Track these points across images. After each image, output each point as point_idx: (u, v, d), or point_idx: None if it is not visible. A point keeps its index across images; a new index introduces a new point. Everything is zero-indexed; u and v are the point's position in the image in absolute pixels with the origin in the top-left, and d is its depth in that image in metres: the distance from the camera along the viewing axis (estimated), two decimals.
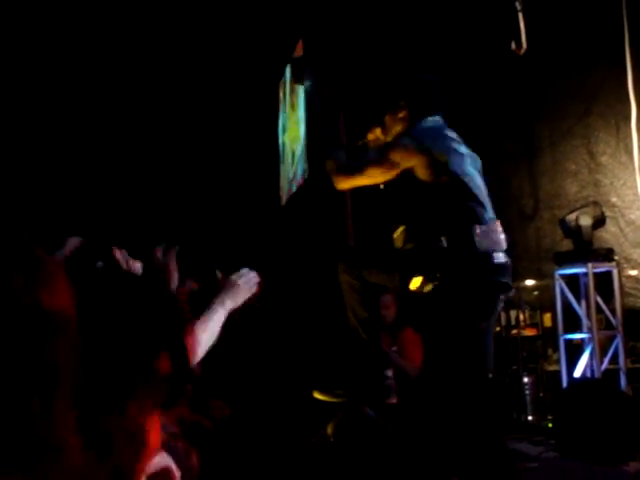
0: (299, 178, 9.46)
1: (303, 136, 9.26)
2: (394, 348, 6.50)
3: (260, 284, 3.13)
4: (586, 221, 7.70)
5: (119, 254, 3.07)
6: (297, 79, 8.26)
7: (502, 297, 4.17)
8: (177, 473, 2.86)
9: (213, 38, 9.43)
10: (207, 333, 2.84)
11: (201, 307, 2.84)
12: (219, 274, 3.28)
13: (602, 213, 7.87)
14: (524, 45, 7.49)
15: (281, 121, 10.61)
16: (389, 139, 4.39)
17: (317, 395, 4.28)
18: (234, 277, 3.08)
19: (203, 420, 5.77)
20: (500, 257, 4.11)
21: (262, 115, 10.27)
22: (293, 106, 9.83)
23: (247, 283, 3.09)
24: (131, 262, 4.15)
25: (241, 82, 9.73)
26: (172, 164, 9.68)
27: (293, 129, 9.90)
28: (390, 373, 4.31)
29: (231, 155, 9.97)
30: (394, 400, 4.31)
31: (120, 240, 2.81)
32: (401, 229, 4.24)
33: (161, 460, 2.91)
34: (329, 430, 3.71)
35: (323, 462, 3.73)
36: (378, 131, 4.44)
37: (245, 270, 3.14)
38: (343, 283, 4.33)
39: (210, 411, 6.05)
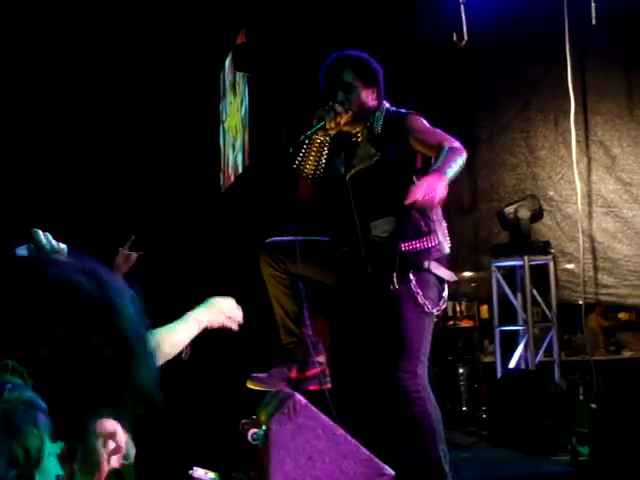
0: (240, 164, 9.43)
1: (245, 122, 9.23)
2: None
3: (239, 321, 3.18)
4: (524, 214, 7.76)
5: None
6: (239, 66, 8.24)
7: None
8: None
9: (155, 23, 9.34)
10: (172, 339, 2.85)
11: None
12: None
13: (540, 206, 7.94)
14: (465, 37, 7.53)
15: (222, 108, 10.56)
16: (346, 127, 4.32)
17: (250, 384, 4.27)
18: (219, 300, 3.09)
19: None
20: (448, 248, 4.26)
21: (203, 102, 10.20)
22: (234, 93, 9.79)
23: (230, 312, 3.12)
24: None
25: (182, 69, 9.64)
26: (112, 151, 9.59)
27: (234, 116, 9.86)
28: (323, 359, 4.32)
29: (172, 142, 9.88)
30: (328, 386, 4.31)
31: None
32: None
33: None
34: (261, 417, 3.69)
35: (255, 448, 3.70)
36: (344, 118, 4.30)
37: (232, 301, 3.15)
38: (266, 275, 4.33)
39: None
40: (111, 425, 1.41)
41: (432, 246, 4.17)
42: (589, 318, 8.89)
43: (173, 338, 2.87)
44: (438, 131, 4.22)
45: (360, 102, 4.31)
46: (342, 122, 4.23)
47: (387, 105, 4.39)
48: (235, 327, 3.17)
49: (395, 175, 4.19)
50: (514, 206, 7.90)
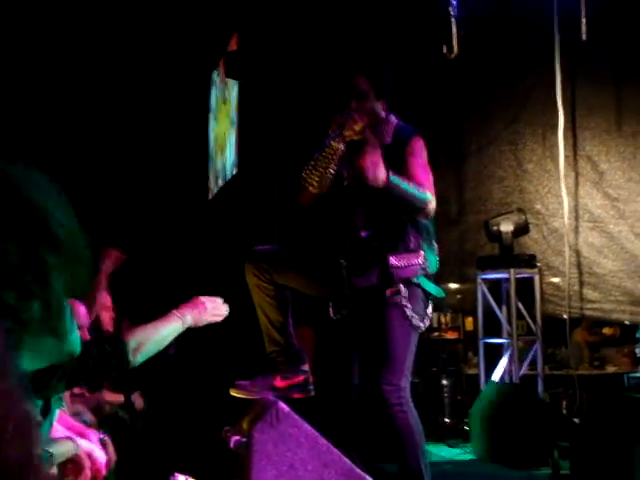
0: (228, 172, 9.42)
1: (234, 130, 9.23)
2: None
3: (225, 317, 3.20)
4: (507, 227, 7.78)
5: None
6: (230, 73, 8.25)
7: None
8: (87, 463, 2.84)
9: (146, 29, 9.34)
10: (154, 335, 2.89)
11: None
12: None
13: (525, 220, 7.95)
14: (455, 49, 7.55)
15: (212, 115, 10.56)
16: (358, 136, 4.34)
17: (233, 392, 4.26)
18: (204, 299, 3.10)
19: (120, 410, 5.73)
20: (436, 266, 4.32)
21: (192, 108, 10.20)
22: (225, 100, 9.79)
23: (214, 310, 3.15)
24: None
25: (173, 76, 9.65)
26: (99, 157, 9.58)
27: (223, 123, 9.86)
28: (307, 368, 4.32)
29: (160, 148, 9.89)
30: (312, 394, 4.32)
31: None
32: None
33: (83, 446, 2.89)
34: (244, 425, 3.68)
35: (237, 456, 3.70)
36: (359, 126, 4.32)
37: (219, 300, 3.19)
38: (251, 285, 4.33)
39: (129, 402, 6.02)
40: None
41: (419, 263, 4.19)
42: (574, 332, 8.90)
43: (157, 336, 2.91)
44: (427, 171, 4.34)
45: (373, 112, 4.36)
46: (358, 130, 4.26)
47: (394, 118, 4.45)
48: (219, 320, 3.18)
49: None
50: (498, 219, 7.93)
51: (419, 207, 4.19)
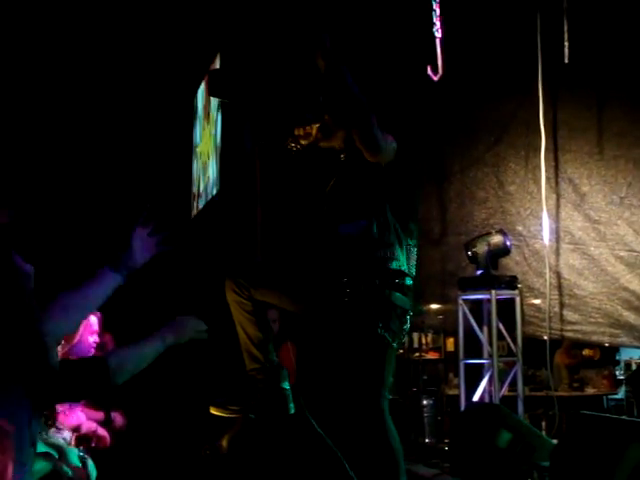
0: (211, 190, 9.42)
1: (217, 148, 9.23)
2: None
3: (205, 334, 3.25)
4: (482, 249, 7.81)
5: None
6: (213, 92, 8.26)
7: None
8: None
9: (130, 47, 9.34)
10: (135, 356, 2.96)
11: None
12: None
13: (502, 242, 7.93)
14: (440, 71, 7.58)
15: (195, 133, 10.57)
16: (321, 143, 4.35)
17: (213, 411, 4.26)
18: (184, 318, 3.20)
19: (100, 429, 5.70)
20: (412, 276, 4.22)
21: (176, 127, 10.21)
22: (208, 118, 9.80)
23: (194, 328, 3.21)
24: None
25: (156, 94, 9.65)
26: (80, 175, 9.56)
27: (206, 142, 9.87)
28: (287, 385, 4.31)
29: (144, 167, 9.88)
30: (291, 412, 4.30)
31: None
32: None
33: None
34: (224, 443, 3.68)
35: (216, 473, 3.70)
36: (314, 129, 4.33)
37: (196, 320, 3.26)
38: (230, 301, 4.32)
39: (109, 421, 5.98)
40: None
41: (393, 269, 4.12)
42: (555, 354, 8.94)
43: (138, 356, 2.96)
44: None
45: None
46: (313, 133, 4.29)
47: None
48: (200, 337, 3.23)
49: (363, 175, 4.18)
50: (475, 241, 7.97)
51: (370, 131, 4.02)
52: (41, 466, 2.90)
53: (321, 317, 4.31)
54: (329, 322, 4.27)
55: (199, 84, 10.00)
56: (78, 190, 9.48)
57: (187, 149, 10.64)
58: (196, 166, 10.48)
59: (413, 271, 4.24)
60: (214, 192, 9.27)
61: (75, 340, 5.03)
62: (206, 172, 9.80)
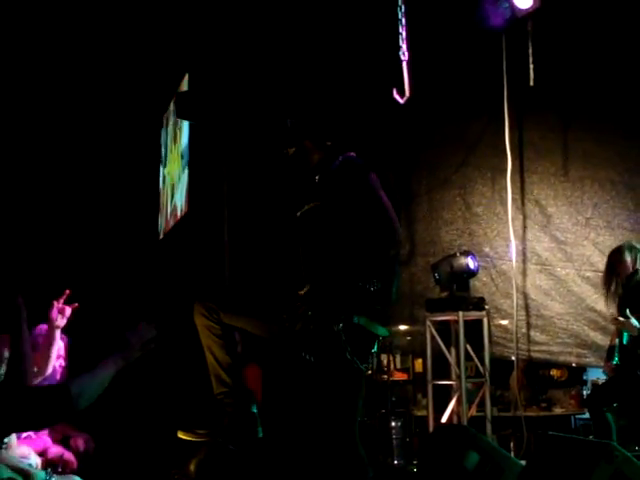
0: (178, 212, 9.40)
1: (184, 170, 9.22)
2: None
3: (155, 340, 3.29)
4: (445, 270, 7.85)
5: None
6: (181, 114, 8.25)
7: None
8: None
9: (98, 66, 9.32)
10: (94, 381, 3.07)
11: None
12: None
13: (466, 263, 7.91)
14: (407, 93, 7.62)
15: (163, 153, 10.55)
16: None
17: (181, 435, 4.24)
18: (129, 336, 3.27)
19: (67, 453, 5.66)
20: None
21: (144, 147, 10.18)
22: (175, 140, 9.79)
23: (142, 339, 3.28)
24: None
25: (124, 114, 9.63)
26: (47, 196, 9.52)
27: (174, 162, 9.85)
28: (255, 409, 4.30)
29: (111, 187, 9.85)
30: (259, 436, 4.29)
31: None
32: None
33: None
34: (191, 467, 3.66)
35: None
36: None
37: (142, 326, 3.33)
38: (199, 325, 4.31)
39: (76, 445, 5.93)
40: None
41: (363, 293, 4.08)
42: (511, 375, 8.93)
43: (96, 381, 3.07)
44: None
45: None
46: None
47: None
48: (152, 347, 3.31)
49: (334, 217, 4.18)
50: (438, 262, 8.01)
51: None
52: None
53: (289, 342, 4.30)
54: (297, 347, 4.25)
55: (167, 105, 9.99)
56: (45, 216, 9.43)
57: (154, 169, 10.63)
58: (164, 186, 10.46)
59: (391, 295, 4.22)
60: (181, 213, 9.25)
61: (48, 372, 5.00)
62: (174, 194, 9.78)
